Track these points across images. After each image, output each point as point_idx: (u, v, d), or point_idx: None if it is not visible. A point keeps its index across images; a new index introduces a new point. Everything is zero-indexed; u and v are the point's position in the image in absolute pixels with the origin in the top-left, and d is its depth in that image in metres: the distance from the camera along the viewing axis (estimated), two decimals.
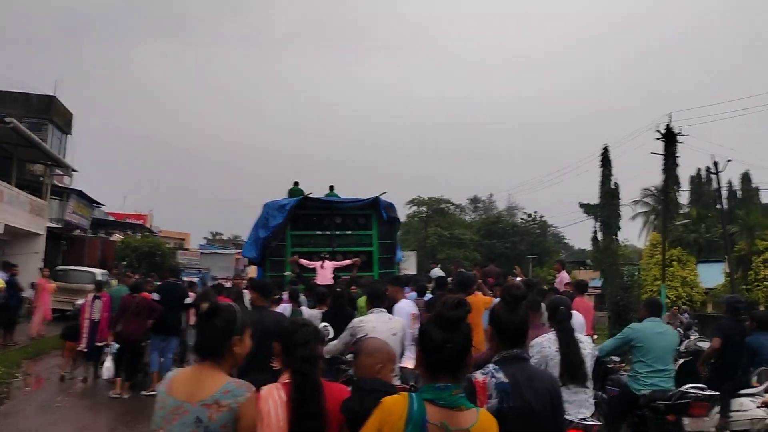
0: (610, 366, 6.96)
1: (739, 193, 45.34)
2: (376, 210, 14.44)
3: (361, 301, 7.74)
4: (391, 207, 14.62)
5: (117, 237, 26.63)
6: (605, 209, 36.35)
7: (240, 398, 2.27)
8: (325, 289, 8.91)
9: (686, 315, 19.86)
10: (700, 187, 43.50)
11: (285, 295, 9.81)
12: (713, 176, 25.43)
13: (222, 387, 2.28)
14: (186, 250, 41.58)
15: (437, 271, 15.00)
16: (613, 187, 36.53)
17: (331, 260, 13.58)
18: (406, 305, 7.19)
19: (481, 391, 2.54)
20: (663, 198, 26.64)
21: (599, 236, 37.34)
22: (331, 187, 16.16)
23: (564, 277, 12.84)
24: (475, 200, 59.58)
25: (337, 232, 14.45)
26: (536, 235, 49.04)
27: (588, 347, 4.67)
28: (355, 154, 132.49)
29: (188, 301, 11.10)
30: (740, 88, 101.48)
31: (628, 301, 31.52)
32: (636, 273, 29.26)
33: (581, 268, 44.59)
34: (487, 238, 47.83)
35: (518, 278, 14.08)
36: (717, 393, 6.11)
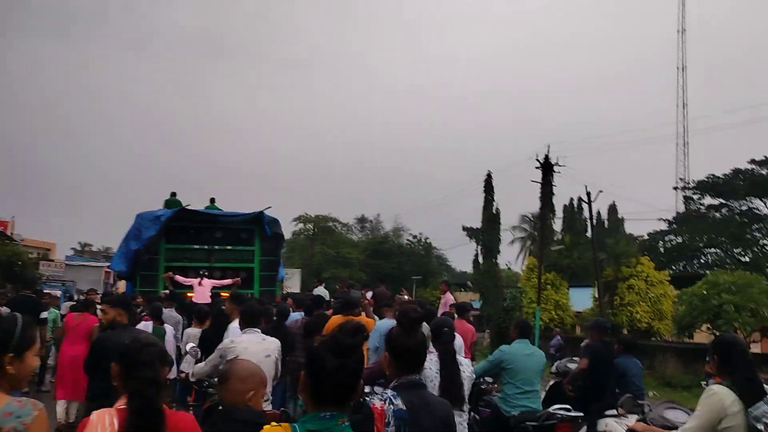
0: (483, 387, 7.00)
1: (606, 223, 48.86)
2: (259, 225, 14.02)
3: None
4: (275, 222, 14.23)
5: None
6: (487, 233, 37.83)
7: (25, 418, 2.06)
8: (207, 308, 8.50)
9: (558, 337, 20.79)
10: (573, 216, 46.39)
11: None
12: (585, 205, 26.91)
13: (1, 409, 2.04)
14: (51, 261, 38.45)
15: (321, 290, 14.72)
16: (494, 212, 38.20)
17: (209, 277, 13.01)
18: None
19: (379, 419, 2.43)
20: (540, 225, 27.94)
21: (480, 259, 38.84)
22: (212, 200, 15.48)
23: (449, 298, 12.96)
24: (362, 220, 59.95)
25: (216, 247, 13.89)
26: (421, 256, 50.01)
27: (467, 370, 4.60)
28: (242, 166, 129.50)
29: (44, 315, 10.25)
30: (618, 122, 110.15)
31: (510, 322, 32.97)
32: (518, 295, 30.52)
33: (462, 289, 45.91)
34: (374, 258, 48.14)
35: (405, 298, 14.11)
36: (582, 414, 6.26)
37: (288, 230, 49.12)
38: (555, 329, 22.03)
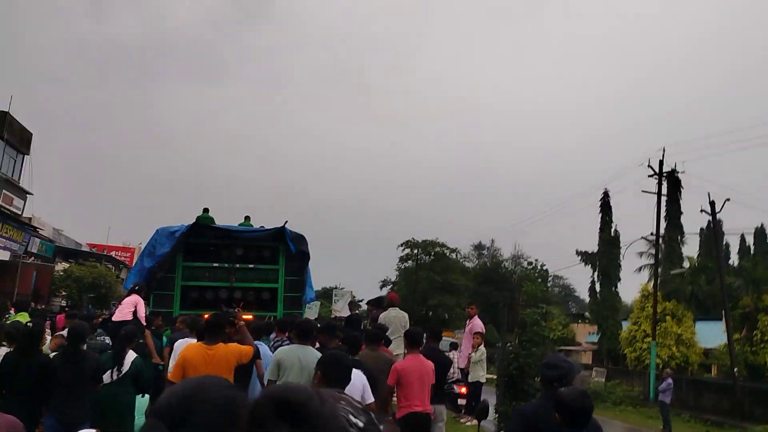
0: None
1: (752, 249, 42.52)
2: (283, 242, 12.70)
3: None
4: (300, 239, 12.86)
5: (62, 266, 25.13)
6: (604, 258, 34.07)
7: None
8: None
9: (668, 380, 17.31)
10: (709, 238, 40.84)
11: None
12: (710, 218, 22.93)
13: None
14: None
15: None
16: (613, 234, 34.35)
17: (230, 298, 12.01)
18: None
19: None
20: (655, 243, 24.22)
21: (597, 287, 34.99)
22: (247, 218, 14.47)
23: (476, 324, 10.71)
24: (479, 246, 57.44)
25: (237, 266, 12.71)
26: (536, 283, 46.42)
27: None
28: (363, 195, 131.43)
29: None
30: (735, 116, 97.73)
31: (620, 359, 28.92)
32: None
33: (579, 321, 41.85)
34: (485, 286, 45.51)
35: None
36: None
37: (395, 256, 48.01)
38: (666, 370, 18.47)
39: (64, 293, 22.56)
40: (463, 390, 12.12)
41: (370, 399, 5.10)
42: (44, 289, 21.14)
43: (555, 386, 3.20)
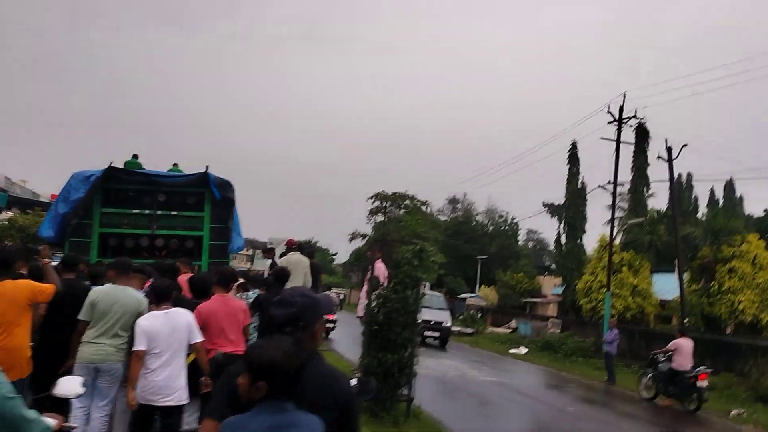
0: None
1: (721, 202, 42.60)
2: (207, 188, 12.13)
3: None
4: (225, 185, 12.26)
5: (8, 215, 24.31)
6: (570, 210, 33.84)
7: None
8: None
9: (615, 331, 17.21)
10: (681, 194, 40.77)
11: None
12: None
13: None
14: None
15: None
16: (580, 186, 34.04)
17: (151, 246, 11.63)
18: None
19: None
20: (612, 192, 23.87)
21: (563, 239, 34.85)
22: (175, 165, 13.81)
23: (378, 269, 10.18)
24: (453, 201, 57.01)
25: (159, 212, 12.14)
26: (507, 237, 46.40)
27: None
28: (346, 154, 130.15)
29: None
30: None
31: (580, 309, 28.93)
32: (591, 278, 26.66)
33: (546, 273, 41.96)
34: (455, 239, 45.31)
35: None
36: None
37: (365, 208, 47.52)
38: (611, 320, 18.36)
39: (8, 243, 21.83)
40: None
41: (196, 339, 5.03)
42: None
43: (287, 332, 2.24)
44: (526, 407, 11.87)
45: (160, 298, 4.98)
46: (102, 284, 5.82)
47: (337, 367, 2.33)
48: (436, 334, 22.13)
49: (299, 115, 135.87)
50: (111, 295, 5.26)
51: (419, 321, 20.27)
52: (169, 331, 4.78)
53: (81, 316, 5.23)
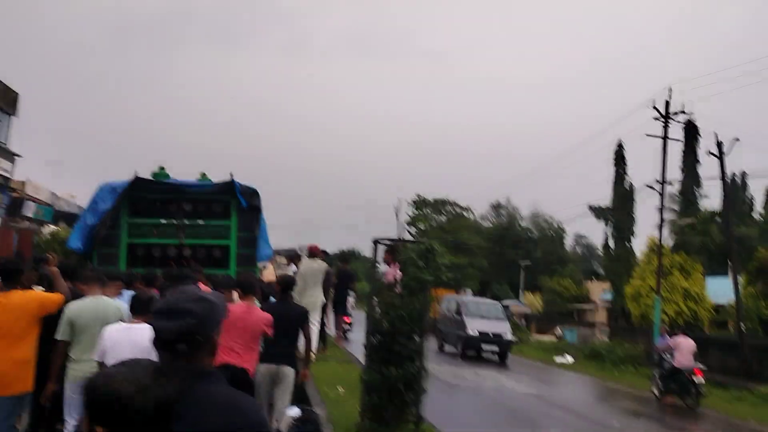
0: None
1: None
2: (233, 197, 12.06)
3: None
4: (252, 193, 12.23)
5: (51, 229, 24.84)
6: (618, 213, 32.74)
7: None
8: None
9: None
10: (735, 193, 38.94)
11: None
12: (721, 162, 21.27)
13: None
14: None
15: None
16: (628, 188, 32.91)
17: (179, 256, 11.73)
18: None
19: None
20: (660, 192, 22.78)
21: (611, 243, 33.72)
22: (203, 174, 13.77)
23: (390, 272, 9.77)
24: (497, 206, 56.00)
25: (187, 222, 12.12)
26: (551, 242, 45.20)
27: None
28: (387, 158, 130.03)
29: None
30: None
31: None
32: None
33: (594, 278, 40.62)
34: (499, 246, 44.41)
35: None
36: None
37: (405, 214, 47.04)
38: (662, 325, 17.41)
39: (49, 256, 22.12)
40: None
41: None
42: (27, 252, 20.77)
43: (179, 352, 1.72)
44: (564, 423, 11.15)
45: (134, 309, 4.64)
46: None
47: (241, 392, 1.75)
48: (495, 348, 19.64)
49: (349, 124, 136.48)
50: (88, 308, 5.03)
51: (476, 333, 19.88)
52: (129, 347, 4.34)
53: (60, 336, 4.96)
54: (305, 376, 6.28)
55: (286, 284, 6.27)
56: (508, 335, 20.21)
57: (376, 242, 6.20)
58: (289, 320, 5.84)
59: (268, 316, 5.57)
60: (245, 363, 5.17)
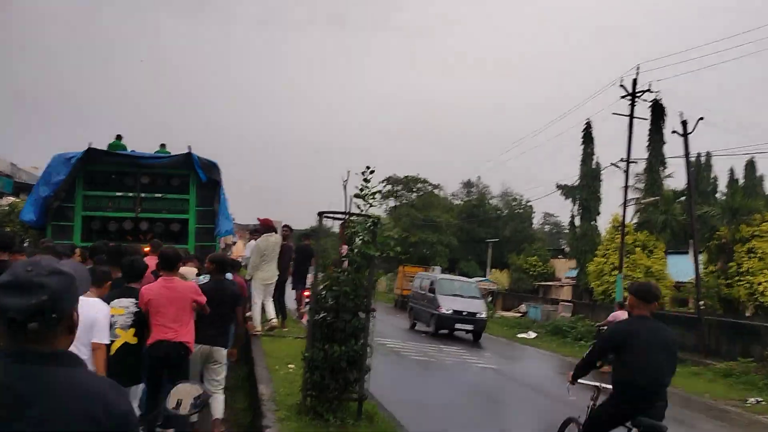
0: None
1: (741, 182, 41.25)
2: (192, 170, 11.79)
3: None
4: (211, 167, 11.98)
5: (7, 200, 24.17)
6: (585, 191, 33.02)
7: None
8: None
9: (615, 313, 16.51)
10: (700, 172, 39.60)
11: None
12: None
13: None
14: None
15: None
16: (594, 167, 33.19)
17: (135, 229, 11.44)
18: None
19: None
20: (625, 170, 22.97)
21: (577, 221, 34.07)
22: (162, 145, 13.50)
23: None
24: (468, 184, 56.26)
25: (143, 195, 11.84)
26: (521, 220, 45.62)
27: None
28: (370, 136, 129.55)
29: None
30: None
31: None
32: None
33: (560, 256, 41.17)
34: (468, 223, 44.64)
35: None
36: None
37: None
38: (616, 303, 17.69)
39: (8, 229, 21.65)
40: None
41: (94, 338, 4.29)
42: None
43: (29, 329, 1.50)
44: (520, 397, 11.30)
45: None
46: None
47: (107, 378, 1.61)
48: (469, 327, 19.23)
49: (325, 99, 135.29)
50: None
51: (449, 312, 19.67)
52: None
53: None
54: (232, 354, 6.24)
55: (220, 263, 6.13)
56: (483, 314, 19.78)
57: (321, 215, 6.09)
58: (222, 300, 5.75)
59: (191, 284, 5.50)
60: (181, 337, 5.08)
